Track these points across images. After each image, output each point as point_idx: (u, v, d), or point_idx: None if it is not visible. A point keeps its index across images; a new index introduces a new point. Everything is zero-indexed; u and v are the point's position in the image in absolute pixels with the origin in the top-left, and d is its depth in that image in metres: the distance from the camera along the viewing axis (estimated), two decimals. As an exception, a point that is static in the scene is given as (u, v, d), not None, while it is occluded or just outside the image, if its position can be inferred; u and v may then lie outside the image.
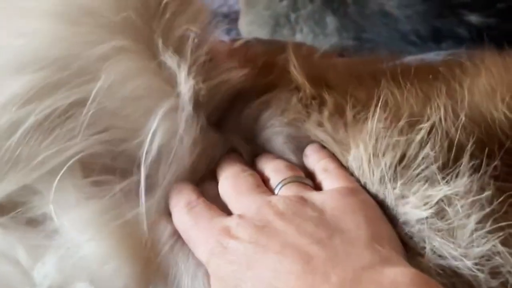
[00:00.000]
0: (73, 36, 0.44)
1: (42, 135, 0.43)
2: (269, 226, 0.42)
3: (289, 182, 0.47)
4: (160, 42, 0.46)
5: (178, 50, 0.47)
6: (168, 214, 0.46)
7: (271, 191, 0.47)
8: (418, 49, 0.93)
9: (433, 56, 0.82)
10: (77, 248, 0.43)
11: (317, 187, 0.47)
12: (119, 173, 0.46)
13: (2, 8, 0.45)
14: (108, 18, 0.45)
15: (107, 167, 0.46)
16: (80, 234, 0.44)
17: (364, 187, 0.45)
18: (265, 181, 0.48)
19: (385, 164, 0.43)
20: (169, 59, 0.46)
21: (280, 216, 0.43)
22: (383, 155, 0.43)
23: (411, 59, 0.82)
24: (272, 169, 0.48)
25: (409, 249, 0.43)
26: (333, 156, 0.48)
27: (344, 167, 0.47)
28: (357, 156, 0.45)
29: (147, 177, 0.45)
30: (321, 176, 0.48)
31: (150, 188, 0.46)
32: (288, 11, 0.97)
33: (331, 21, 0.96)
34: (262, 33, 0.96)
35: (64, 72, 0.43)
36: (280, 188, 0.46)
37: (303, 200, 0.44)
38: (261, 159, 0.50)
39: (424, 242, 0.42)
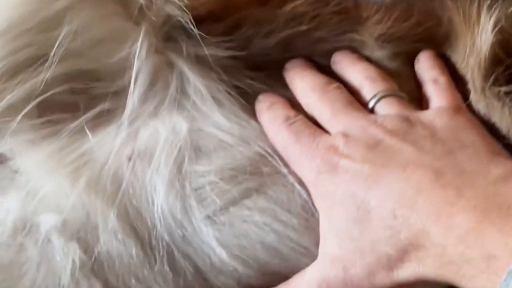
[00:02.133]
0: None
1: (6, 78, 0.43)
2: (382, 145, 0.40)
3: (385, 96, 0.44)
4: None
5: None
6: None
7: (363, 104, 0.44)
8: None
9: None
10: (38, 188, 0.43)
11: (423, 97, 0.45)
12: (74, 110, 0.45)
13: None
14: None
15: (64, 104, 0.45)
16: (39, 174, 0.43)
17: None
18: (353, 91, 0.45)
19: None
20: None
21: (391, 134, 0.40)
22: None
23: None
24: (364, 76, 0.45)
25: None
26: (445, 69, 0.46)
27: (453, 83, 0.45)
28: None
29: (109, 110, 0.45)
30: (429, 87, 0.45)
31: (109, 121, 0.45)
32: None
33: None
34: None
35: (29, 27, 0.43)
36: (375, 103, 0.44)
37: (409, 119, 0.42)
38: (339, 60, 0.46)
39: None
